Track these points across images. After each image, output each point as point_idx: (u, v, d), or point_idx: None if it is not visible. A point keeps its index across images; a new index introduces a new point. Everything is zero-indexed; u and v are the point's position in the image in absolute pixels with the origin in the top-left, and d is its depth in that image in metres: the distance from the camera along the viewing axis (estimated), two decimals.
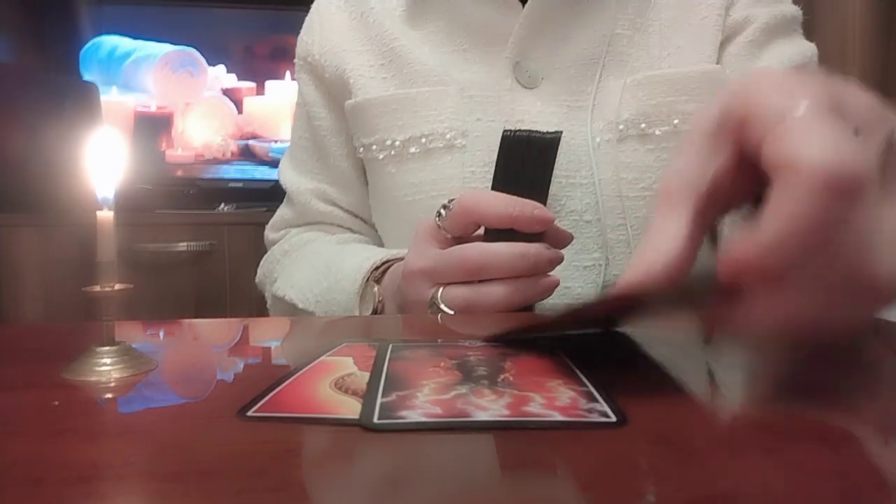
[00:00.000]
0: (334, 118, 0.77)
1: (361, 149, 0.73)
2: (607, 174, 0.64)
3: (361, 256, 0.64)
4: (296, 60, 0.80)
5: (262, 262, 0.83)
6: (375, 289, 0.61)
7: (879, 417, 0.28)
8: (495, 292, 0.51)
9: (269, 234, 0.85)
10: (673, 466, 0.23)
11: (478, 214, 0.53)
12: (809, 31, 0.73)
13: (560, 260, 0.53)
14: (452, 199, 0.54)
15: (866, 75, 1.53)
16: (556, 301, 0.63)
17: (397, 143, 0.69)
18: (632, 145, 0.64)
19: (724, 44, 0.68)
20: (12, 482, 0.21)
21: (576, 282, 0.64)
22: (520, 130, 0.55)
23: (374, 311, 0.60)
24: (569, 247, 0.59)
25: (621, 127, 0.64)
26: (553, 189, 0.63)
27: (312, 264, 0.71)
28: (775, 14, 0.68)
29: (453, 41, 0.69)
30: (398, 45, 0.70)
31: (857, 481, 0.22)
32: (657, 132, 0.64)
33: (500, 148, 0.55)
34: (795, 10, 0.71)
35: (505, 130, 0.55)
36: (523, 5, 0.66)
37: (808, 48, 0.70)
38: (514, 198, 0.52)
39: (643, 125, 0.64)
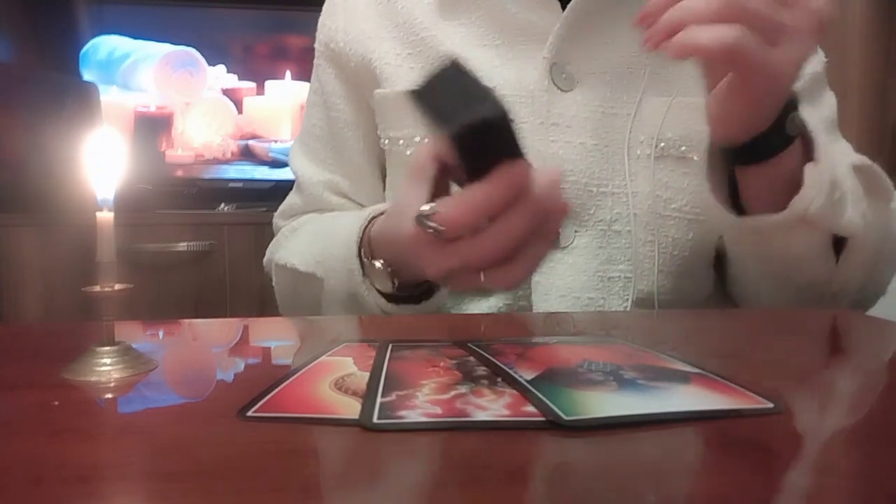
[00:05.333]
0: (353, 111, 0.75)
1: (387, 141, 0.71)
2: (644, 188, 0.64)
3: (357, 212, 0.64)
4: (316, 45, 0.77)
5: (269, 246, 0.81)
6: (378, 264, 0.58)
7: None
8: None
9: (279, 221, 0.83)
10: (673, 467, 0.23)
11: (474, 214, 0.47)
12: None
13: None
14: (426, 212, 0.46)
15: (866, 75, 1.53)
16: (577, 309, 0.62)
17: (427, 140, 0.68)
18: (669, 165, 0.64)
19: None
20: (12, 482, 0.21)
21: (600, 292, 0.63)
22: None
23: (391, 277, 0.58)
24: (595, 257, 0.59)
25: (662, 144, 0.64)
26: (582, 198, 0.63)
27: (311, 230, 0.71)
28: (812, 74, 0.70)
29: (487, 36, 0.68)
30: (428, 36, 0.68)
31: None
32: (695, 157, 0.64)
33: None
34: (824, 62, 0.72)
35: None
36: (561, 6, 0.65)
37: (830, 105, 0.72)
38: (488, 184, 0.44)
39: (683, 148, 0.65)
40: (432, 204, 0.47)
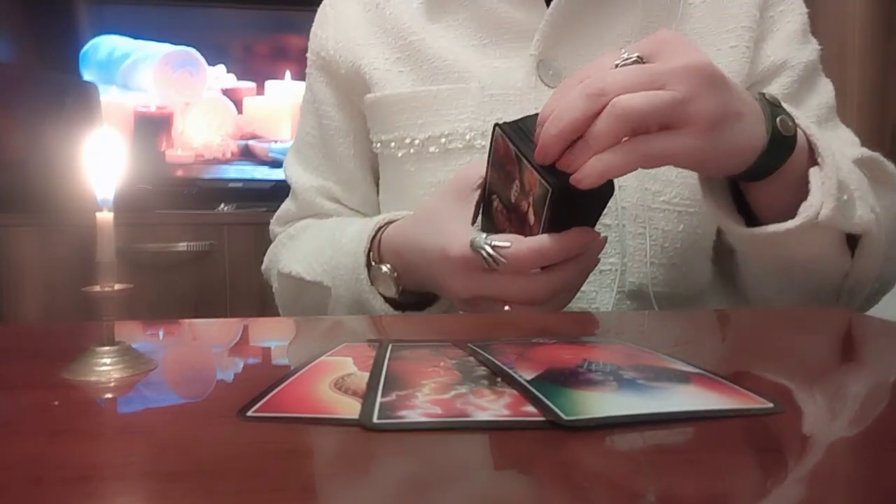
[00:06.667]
0: (344, 118, 0.76)
1: (378, 144, 0.72)
2: (632, 182, 0.64)
3: (364, 221, 0.65)
4: (308, 55, 0.79)
5: (268, 251, 0.83)
6: (385, 268, 0.60)
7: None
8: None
9: (275, 227, 0.84)
10: (673, 467, 0.23)
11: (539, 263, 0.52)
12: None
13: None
14: (490, 242, 0.51)
15: (866, 75, 1.53)
16: (570, 305, 0.62)
17: (417, 141, 0.68)
18: None
19: (757, 84, 0.69)
20: (12, 482, 0.21)
21: (591, 285, 0.63)
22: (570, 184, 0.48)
23: (395, 283, 0.60)
24: None
25: None
26: None
27: (317, 238, 0.71)
28: (806, 62, 0.69)
29: (474, 36, 0.69)
30: (416, 40, 0.69)
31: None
32: None
33: (551, 201, 0.48)
34: (818, 50, 0.72)
35: (553, 184, 0.48)
36: (546, 3, 0.66)
37: (827, 91, 0.72)
38: (563, 242, 0.50)
39: None
40: (506, 243, 0.49)
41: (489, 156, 0.54)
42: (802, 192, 0.51)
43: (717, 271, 0.70)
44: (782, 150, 0.50)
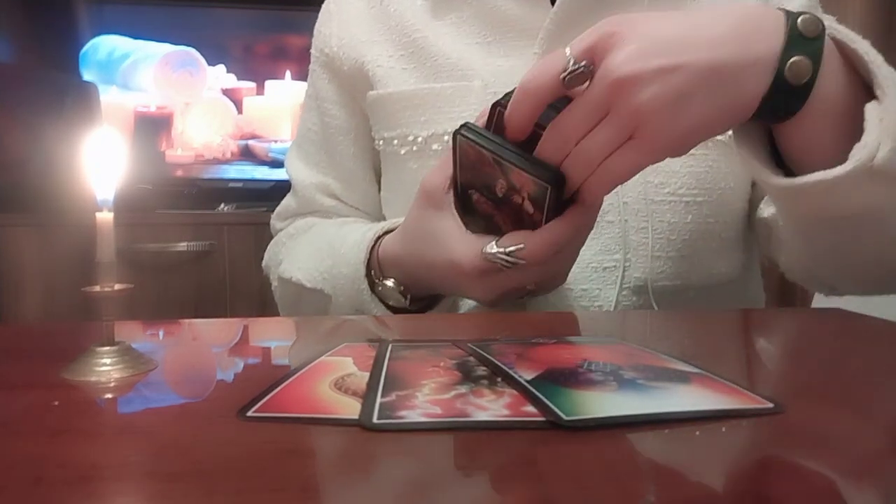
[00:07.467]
0: (346, 116, 0.76)
1: (381, 142, 0.72)
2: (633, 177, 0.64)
3: (363, 229, 0.65)
4: (311, 51, 0.79)
5: (268, 248, 0.83)
6: (390, 283, 0.60)
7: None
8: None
9: (276, 223, 0.85)
10: (673, 468, 0.23)
11: (556, 251, 0.52)
12: None
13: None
14: (504, 249, 0.51)
15: None
16: (572, 304, 0.62)
17: (420, 139, 0.68)
18: None
19: None
20: (12, 482, 0.21)
21: (594, 283, 0.63)
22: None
23: (403, 294, 0.60)
24: (589, 247, 0.59)
25: None
26: None
27: (316, 244, 0.71)
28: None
29: (478, 33, 0.68)
30: (420, 37, 0.69)
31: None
32: None
33: (552, 195, 0.49)
34: (834, 20, 0.68)
35: (551, 181, 0.48)
36: (551, 1, 0.65)
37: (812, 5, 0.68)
38: (572, 223, 0.50)
39: None
40: (519, 245, 0.51)
41: (455, 160, 0.54)
42: (852, 134, 0.44)
43: (740, 260, 0.69)
44: (788, 98, 0.44)
